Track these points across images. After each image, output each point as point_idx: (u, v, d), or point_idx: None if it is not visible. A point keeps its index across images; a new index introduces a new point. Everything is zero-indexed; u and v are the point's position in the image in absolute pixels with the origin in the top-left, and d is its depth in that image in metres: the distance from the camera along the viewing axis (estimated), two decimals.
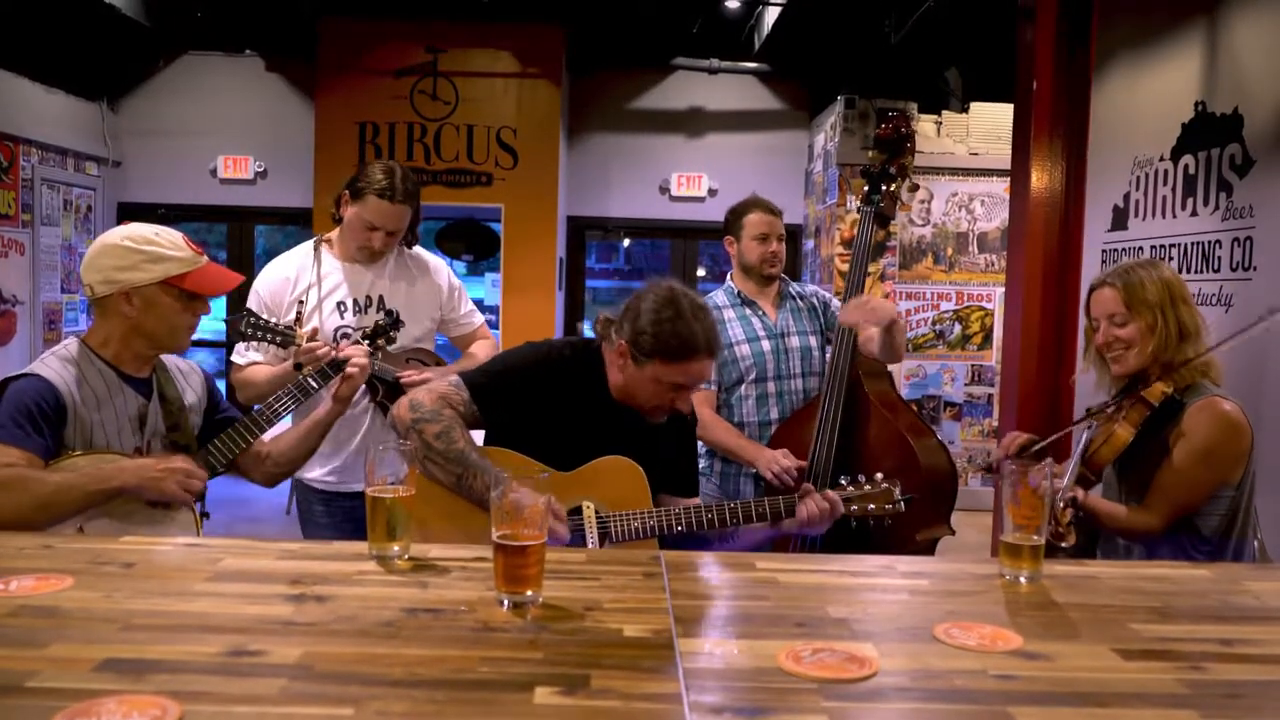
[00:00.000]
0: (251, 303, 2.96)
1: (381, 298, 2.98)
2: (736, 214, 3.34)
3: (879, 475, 2.44)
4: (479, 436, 2.41)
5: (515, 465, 2.17)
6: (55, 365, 2.15)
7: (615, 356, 2.31)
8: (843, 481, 2.48)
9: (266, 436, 2.47)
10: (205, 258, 2.28)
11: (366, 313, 2.96)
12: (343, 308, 2.95)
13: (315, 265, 2.98)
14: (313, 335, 2.70)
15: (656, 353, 2.22)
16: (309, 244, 3.05)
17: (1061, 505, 2.12)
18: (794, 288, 3.39)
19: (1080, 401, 4.20)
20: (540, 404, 2.30)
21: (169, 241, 2.22)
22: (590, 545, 2.21)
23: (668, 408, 2.31)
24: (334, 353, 2.55)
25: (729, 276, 3.41)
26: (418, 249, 3.14)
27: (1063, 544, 2.09)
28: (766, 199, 3.38)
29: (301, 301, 2.91)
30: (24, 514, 1.96)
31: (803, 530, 2.36)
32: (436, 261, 3.17)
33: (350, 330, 2.93)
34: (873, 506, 2.40)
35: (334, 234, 3.03)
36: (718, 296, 3.33)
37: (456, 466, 2.17)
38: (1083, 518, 2.22)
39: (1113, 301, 2.35)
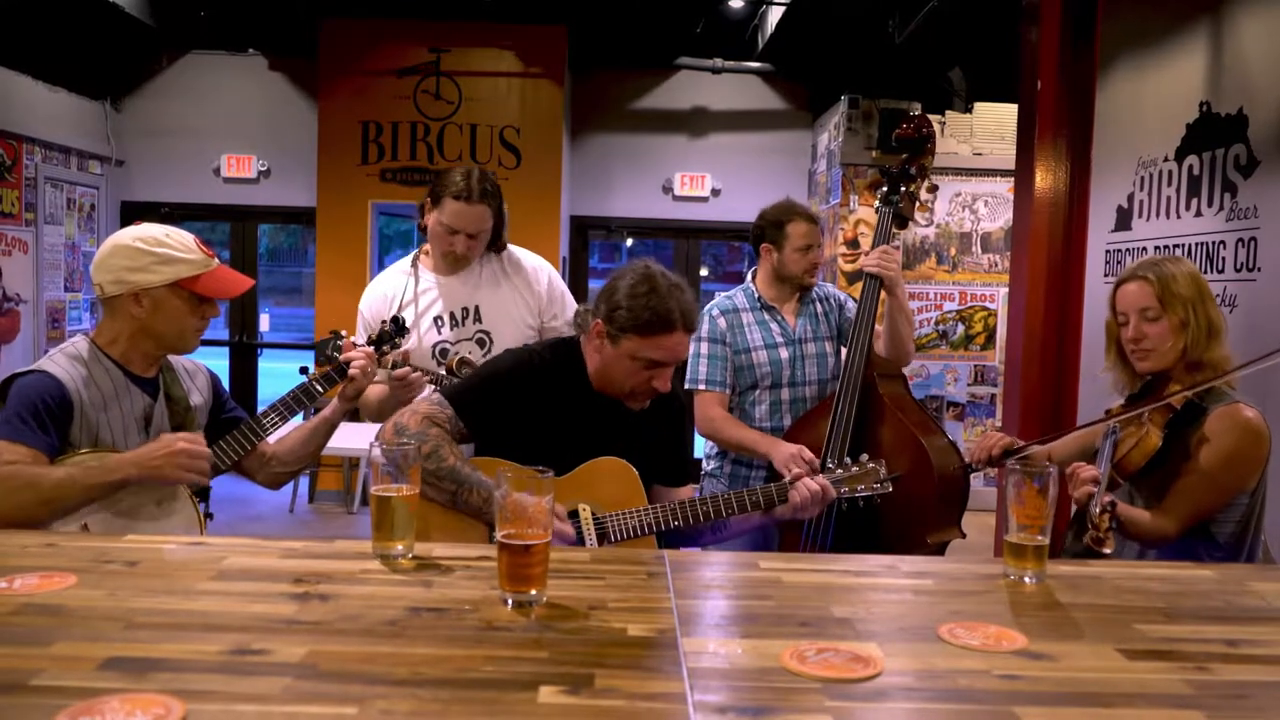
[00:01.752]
0: (359, 324, 2.99)
1: (478, 308, 2.97)
2: (778, 222, 3.24)
3: (864, 456, 2.44)
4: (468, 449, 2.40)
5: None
6: (63, 363, 2.15)
7: (592, 338, 2.31)
8: (830, 465, 2.47)
9: (271, 438, 2.48)
10: (217, 260, 2.28)
11: (464, 324, 2.96)
12: (440, 322, 2.94)
13: (413, 281, 2.98)
14: (404, 359, 2.70)
15: (631, 328, 2.23)
16: (408, 259, 3.05)
17: (1098, 511, 2.11)
18: (816, 290, 3.34)
19: (1084, 401, 4.19)
20: (526, 409, 2.30)
21: (180, 243, 2.22)
22: (589, 547, 2.21)
23: (645, 389, 2.31)
24: (423, 377, 2.65)
25: (750, 278, 3.36)
26: (517, 250, 3.09)
27: (1104, 550, 2.05)
28: (803, 204, 3.33)
29: (384, 322, 2.90)
30: (28, 510, 1.96)
31: (795, 515, 2.35)
32: (536, 264, 3.09)
33: (449, 345, 2.94)
34: (861, 488, 2.41)
35: (428, 246, 3.02)
36: (737, 298, 3.30)
37: (450, 483, 2.16)
38: (1119, 524, 2.21)
39: (1145, 295, 2.30)
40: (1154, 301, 2.29)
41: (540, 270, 3.08)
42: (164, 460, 2.10)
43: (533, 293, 3.04)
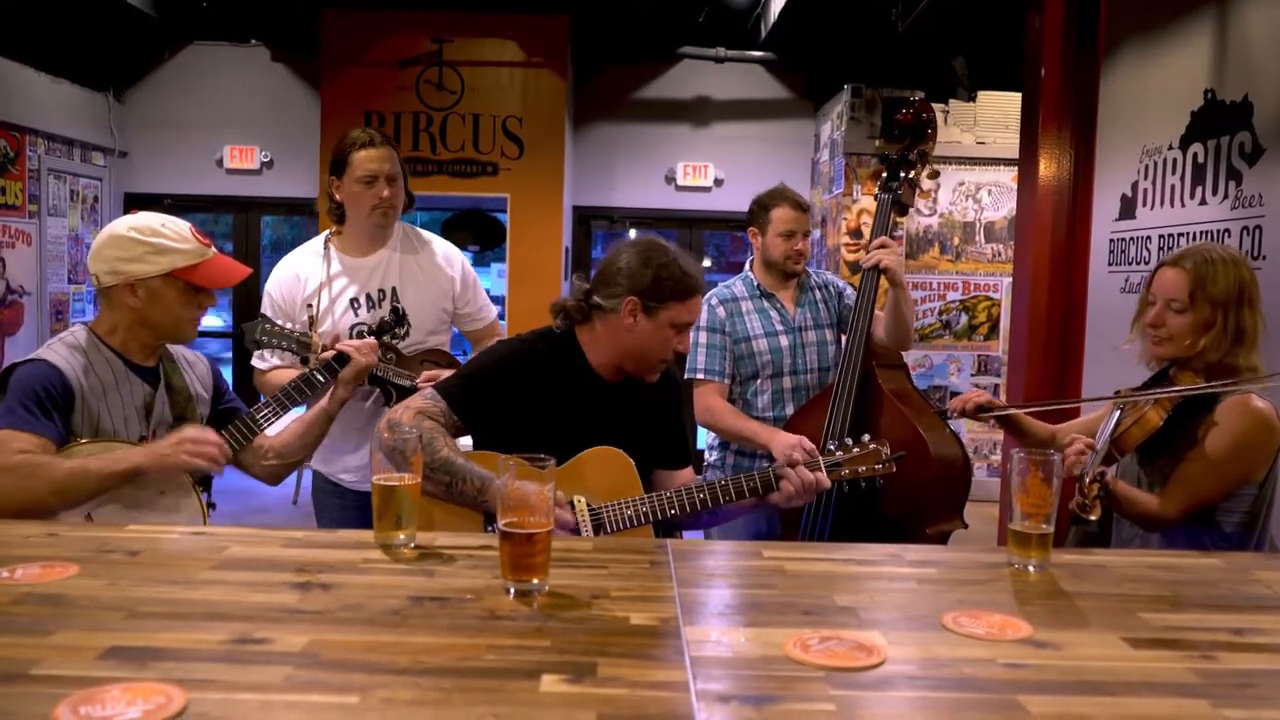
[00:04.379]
0: (265, 304, 2.94)
1: (394, 290, 2.95)
2: (763, 206, 3.25)
3: (865, 436, 2.41)
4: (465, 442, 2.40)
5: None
6: (63, 352, 2.15)
7: (620, 320, 2.30)
8: (830, 446, 2.45)
9: (270, 430, 2.46)
10: (213, 249, 2.27)
11: (380, 306, 2.93)
12: (356, 304, 2.93)
13: (325, 264, 2.94)
14: (332, 342, 2.68)
15: (672, 295, 2.28)
16: (319, 240, 3.01)
17: (1089, 479, 2.11)
18: (814, 278, 3.33)
19: (1088, 391, 4.18)
20: (522, 399, 2.30)
21: (175, 233, 2.21)
22: (585, 537, 2.20)
23: (670, 356, 2.36)
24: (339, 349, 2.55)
25: (748, 266, 3.35)
26: (430, 237, 3.09)
27: (1090, 517, 2.07)
28: (794, 192, 3.30)
29: (310, 305, 2.89)
30: (39, 499, 1.96)
31: (787, 504, 2.34)
32: (448, 251, 3.10)
33: (366, 327, 2.90)
34: (863, 469, 2.38)
35: (340, 229, 2.98)
36: (735, 287, 3.29)
37: (444, 475, 2.16)
38: (1108, 495, 2.20)
39: (1177, 286, 2.25)
40: (1183, 294, 2.23)
41: (454, 258, 3.09)
42: (172, 448, 2.10)
43: (446, 277, 3.03)
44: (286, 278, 2.96)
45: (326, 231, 3.03)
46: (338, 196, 2.91)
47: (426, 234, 3.11)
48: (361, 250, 2.96)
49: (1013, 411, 2.66)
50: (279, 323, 2.67)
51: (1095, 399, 2.56)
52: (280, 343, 2.62)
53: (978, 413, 2.61)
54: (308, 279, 2.93)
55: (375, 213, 2.89)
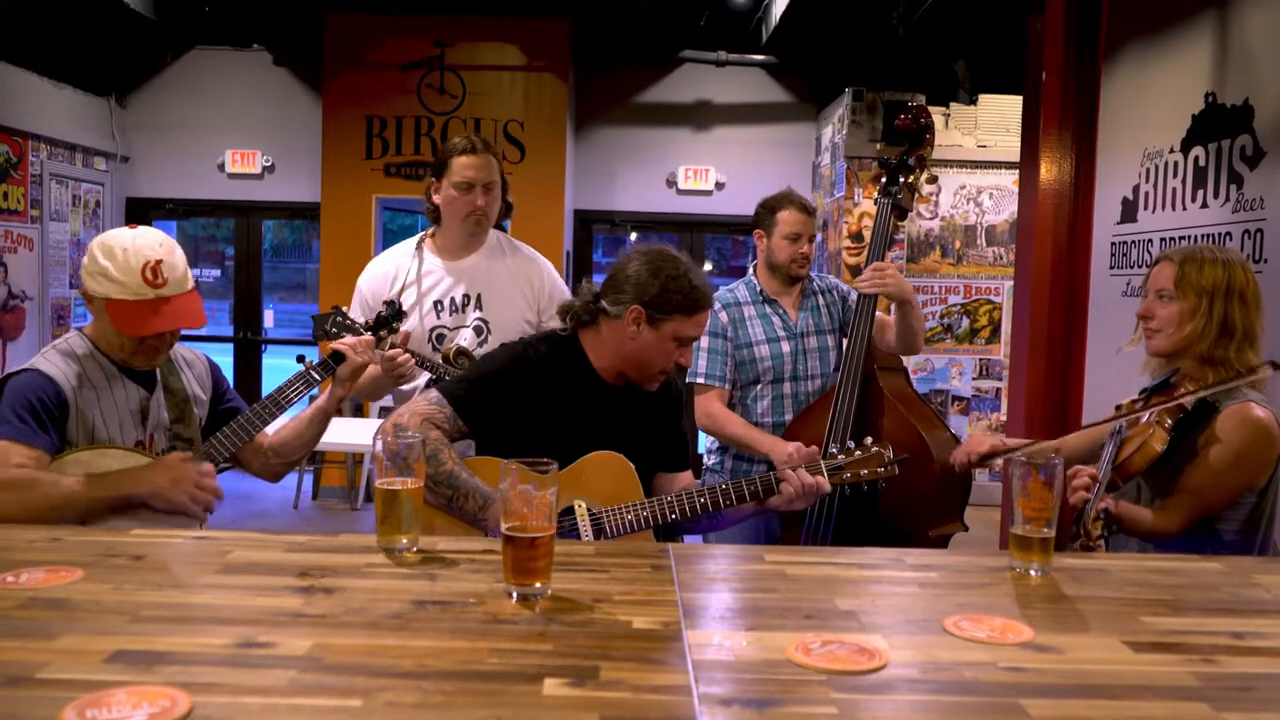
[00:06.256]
0: (355, 298, 3.01)
1: (480, 296, 2.98)
2: (769, 209, 3.25)
3: (868, 439, 2.39)
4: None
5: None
6: (56, 360, 2.15)
7: (624, 327, 2.30)
8: (832, 449, 2.43)
9: (269, 429, 2.47)
10: (160, 293, 2.12)
11: (463, 311, 2.97)
12: (439, 307, 2.96)
13: (416, 263, 3.00)
14: (403, 341, 2.70)
15: (678, 308, 2.27)
16: (413, 240, 3.07)
17: (1093, 516, 2.09)
18: (817, 283, 3.33)
19: (1089, 394, 4.18)
20: (526, 403, 2.30)
21: (124, 265, 2.10)
22: (586, 541, 2.20)
23: (671, 366, 2.37)
24: (411, 360, 2.66)
25: (751, 270, 3.35)
26: (523, 247, 3.13)
27: (1096, 554, 2.05)
28: (801, 196, 3.30)
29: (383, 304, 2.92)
30: (36, 514, 1.96)
31: (787, 507, 2.34)
32: (538, 262, 3.12)
33: (446, 330, 2.95)
34: (864, 472, 2.36)
35: (436, 230, 3.05)
36: (739, 291, 3.29)
37: (446, 489, 2.18)
38: (1116, 532, 2.19)
39: (1165, 276, 2.29)
40: (1170, 284, 2.27)
41: (544, 269, 3.11)
42: (171, 485, 2.09)
43: (532, 289, 3.05)
44: (377, 275, 3.03)
45: (421, 232, 3.09)
46: (435, 199, 2.97)
47: (520, 244, 3.14)
48: (453, 254, 3.01)
49: (1022, 451, 2.59)
50: (351, 317, 2.70)
51: (1098, 423, 2.51)
52: (347, 336, 2.64)
53: (985, 461, 2.54)
54: (396, 277, 2.99)
55: (469, 220, 2.94)
